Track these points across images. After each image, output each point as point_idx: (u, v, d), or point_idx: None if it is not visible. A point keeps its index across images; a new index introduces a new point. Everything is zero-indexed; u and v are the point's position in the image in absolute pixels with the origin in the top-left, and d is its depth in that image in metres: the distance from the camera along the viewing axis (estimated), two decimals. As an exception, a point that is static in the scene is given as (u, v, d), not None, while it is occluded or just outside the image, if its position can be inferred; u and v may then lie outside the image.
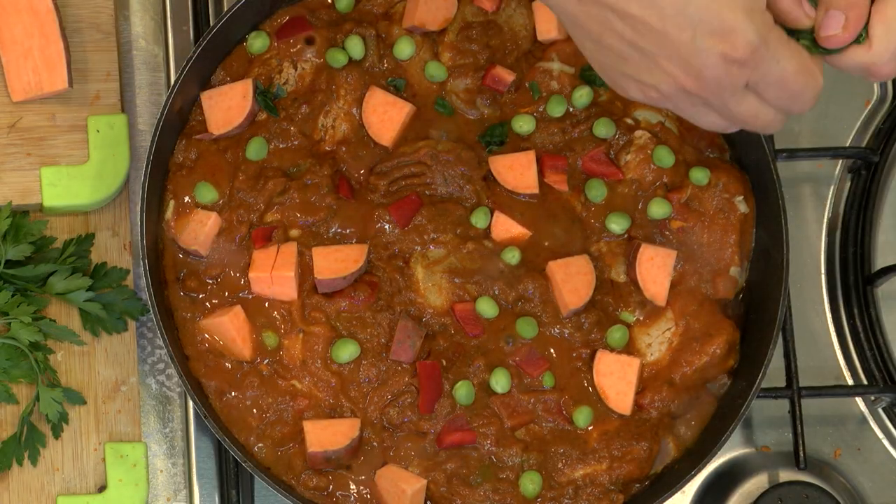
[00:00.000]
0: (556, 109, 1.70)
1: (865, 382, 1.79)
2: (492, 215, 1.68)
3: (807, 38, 1.37)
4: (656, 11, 1.27)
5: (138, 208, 1.61)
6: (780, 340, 1.70)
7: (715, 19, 1.27)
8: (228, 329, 1.63)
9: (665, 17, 1.27)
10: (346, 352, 1.63)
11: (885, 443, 1.79)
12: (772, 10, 1.33)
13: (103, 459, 1.68)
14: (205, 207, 1.66)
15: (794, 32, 1.35)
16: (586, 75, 1.71)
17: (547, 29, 1.71)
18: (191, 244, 1.65)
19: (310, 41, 1.70)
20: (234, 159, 1.67)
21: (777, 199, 1.66)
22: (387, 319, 1.64)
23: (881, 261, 1.78)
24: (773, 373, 1.70)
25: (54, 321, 1.69)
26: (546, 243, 1.68)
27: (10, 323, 1.66)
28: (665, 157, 1.68)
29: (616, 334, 1.66)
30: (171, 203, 1.66)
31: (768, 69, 1.30)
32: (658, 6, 1.27)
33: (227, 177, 1.67)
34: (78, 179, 1.70)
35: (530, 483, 1.63)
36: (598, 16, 1.30)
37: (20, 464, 1.67)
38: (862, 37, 1.35)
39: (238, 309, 1.64)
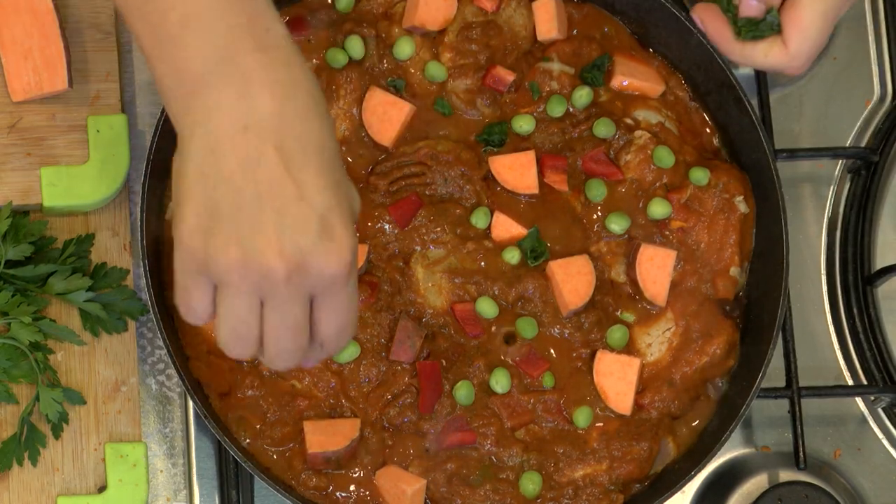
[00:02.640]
0: (556, 109, 1.70)
1: (865, 382, 1.79)
2: (492, 215, 1.68)
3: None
4: (306, 180, 1.27)
5: (138, 208, 1.61)
6: (780, 340, 1.71)
7: (339, 223, 1.28)
8: (228, 329, 1.62)
9: (306, 189, 1.27)
10: (346, 352, 1.63)
11: (885, 443, 1.79)
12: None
13: (103, 459, 1.68)
14: (205, 207, 1.66)
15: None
16: (586, 75, 1.71)
17: (547, 29, 1.71)
18: (191, 244, 1.65)
19: (309, 41, 1.70)
20: (234, 159, 1.67)
21: (777, 199, 1.66)
22: (387, 319, 1.64)
23: (881, 261, 1.78)
24: (773, 373, 1.70)
25: (54, 321, 1.69)
26: (546, 243, 1.68)
27: (10, 323, 1.66)
28: (665, 157, 1.68)
29: (616, 334, 1.66)
30: (171, 203, 1.66)
31: (344, 294, 1.31)
32: (309, 177, 1.27)
33: (227, 177, 1.67)
34: (78, 179, 1.70)
35: (530, 483, 1.63)
36: (249, 156, 1.27)
37: (20, 464, 1.67)
38: (775, 26, 1.50)
39: (238, 309, 1.63)
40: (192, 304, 1.32)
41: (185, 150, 1.29)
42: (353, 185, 1.34)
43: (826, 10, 1.50)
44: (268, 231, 1.26)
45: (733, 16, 1.63)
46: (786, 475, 1.73)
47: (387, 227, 1.67)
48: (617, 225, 1.68)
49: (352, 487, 1.63)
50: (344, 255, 1.28)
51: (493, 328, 1.66)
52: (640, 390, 1.66)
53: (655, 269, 1.66)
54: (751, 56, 1.54)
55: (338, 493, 1.63)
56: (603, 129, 1.69)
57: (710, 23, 1.63)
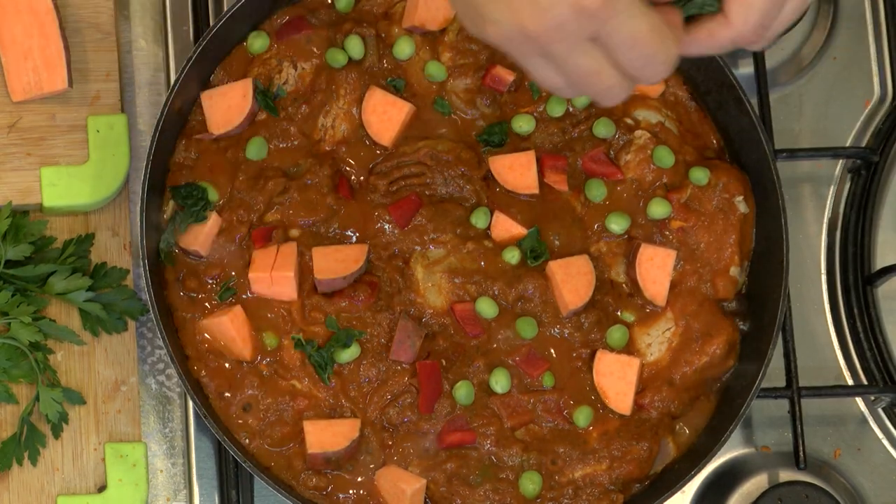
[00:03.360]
0: (556, 109, 1.70)
1: (865, 382, 1.79)
2: (492, 215, 1.68)
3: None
4: None
5: (138, 208, 1.61)
6: (780, 340, 1.71)
7: None
8: (228, 329, 1.63)
9: None
10: (347, 352, 1.63)
11: (885, 443, 1.79)
12: None
13: (103, 459, 1.68)
14: (205, 207, 1.67)
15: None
16: (586, 75, 1.71)
17: (547, 29, 1.71)
18: (191, 244, 1.65)
19: (309, 41, 1.70)
20: (234, 159, 1.67)
21: (777, 199, 1.66)
22: (387, 319, 1.64)
23: (881, 261, 1.78)
24: (773, 373, 1.70)
25: (54, 321, 1.69)
26: (546, 244, 1.68)
27: (10, 323, 1.66)
28: (665, 157, 1.68)
29: (616, 334, 1.66)
30: (171, 203, 1.66)
31: (620, 24, 1.24)
32: None
33: (227, 177, 1.67)
34: (78, 179, 1.70)
35: (530, 483, 1.63)
36: None
37: (20, 464, 1.67)
38: (715, 6, 1.34)
39: (238, 309, 1.64)
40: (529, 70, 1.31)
41: None
42: None
43: None
44: (507, 2, 1.23)
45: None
46: (786, 475, 1.73)
47: (387, 227, 1.67)
48: (617, 225, 1.68)
49: (351, 487, 1.63)
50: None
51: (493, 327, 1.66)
52: (640, 390, 1.66)
53: (655, 269, 1.66)
54: (697, 41, 1.39)
55: (337, 494, 1.63)
56: (603, 128, 1.69)
57: None
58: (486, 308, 1.65)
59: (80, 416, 1.69)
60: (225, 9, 1.75)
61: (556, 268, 1.66)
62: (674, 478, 1.64)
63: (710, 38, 1.35)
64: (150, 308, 1.60)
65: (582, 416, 1.65)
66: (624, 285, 1.68)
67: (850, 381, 1.80)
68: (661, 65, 1.28)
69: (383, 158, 1.69)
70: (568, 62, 1.27)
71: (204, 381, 1.64)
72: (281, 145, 1.68)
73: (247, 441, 1.64)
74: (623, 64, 1.27)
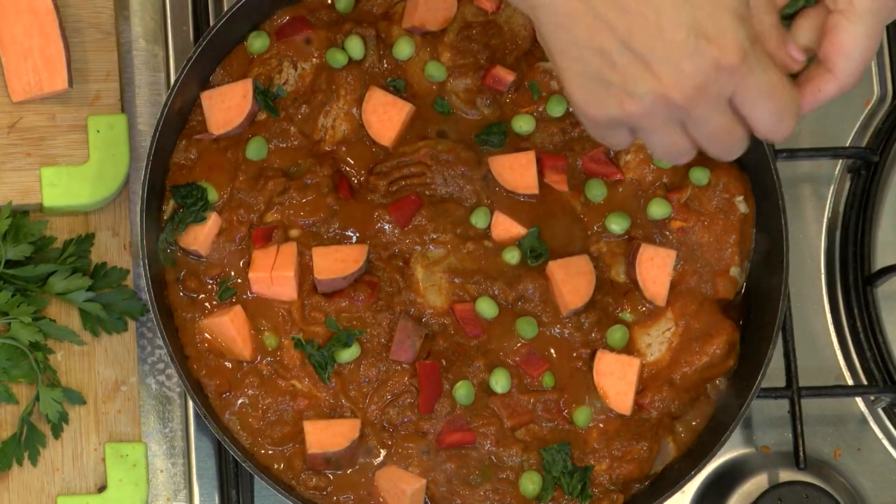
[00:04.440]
0: (556, 109, 1.70)
1: (865, 382, 1.79)
2: (492, 215, 1.68)
3: None
4: (654, 8, 1.25)
5: (138, 208, 1.61)
6: (780, 340, 1.71)
7: (709, 20, 1.25)
8: (229, 329, 1.63)
9: (661, 13, 1.24)
10: (347, 352, 1.63)
11: (885, 443, 1.79)
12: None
13: (103, 459, 1.68)
14: (205, 207, 1.67)
15: None
16: (586, 75, 1.71)
17: (547, 29, 1.71)
18: (191, 244, 1.65)
19: (309, 41, 1.70)
20: (234, 159, 1.67)
21: (777, 199, 1.66)
22: (387, 319, 1.64)
23: (881, 261, 1.78)
24: (773, 373, 1.70)
25: (54, 321, 1.69)
26: (546, 243, 1.68)
27: (10, 323, 1.66)
28: (665, 157, 1.68)
29: (616, 334, 1.66)
30: (171, 203, 1.66)
31: (756, 79, 1.28)
32: (656, 3, 1.24)
33: (227, 177, 1.67)
34: (78, 179, 1.70)
35: (530, 483, 1.63)
36: (591, 12, 1.26)
37: (20, 464, 1.67)
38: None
39: (238, 309, 1.64)
40: (616, 143, 1.34)
41: (540, 31, 1.30)
42: None
43: (867, 28, 1.43)
44: (650, 72, 1.26)
45: None
46: (786, 475, 1.73)
47: (387, 227, 1.67)
48: (617, 225, 1.68)
49: (351, 487, 1.63)
50: (727, 48, 1.24)
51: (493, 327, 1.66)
52: (640, 390, 1.66)
53: (655, 269, 1.66)
54: (804, 98, 1.44)
55: (337, 494, 1.63)
56: (603, 129, 1.69)
57: None
58: (486, 308, 1.65)
59: (80, 416, 1.69)
60: (225, 9, 1.75)
61: (556, 268, 1.66)
62: (674, 478, 1.64)
63: (817, 95, 1.39)
64: (150, 308, 1.60)
65: (582, 416, 1.65)
66: (624, 285, 1.68)
67: (850, 381, 1.80)
68: (792, 119, 1.32)
69: (383, 158, 1.69)
70: (707, 124, 1.29)
71: (204, 381, 1.64)
72: (281, 145, 1.68)
73: (247, 441, 1.64)
74: (755, 118, 1.30)
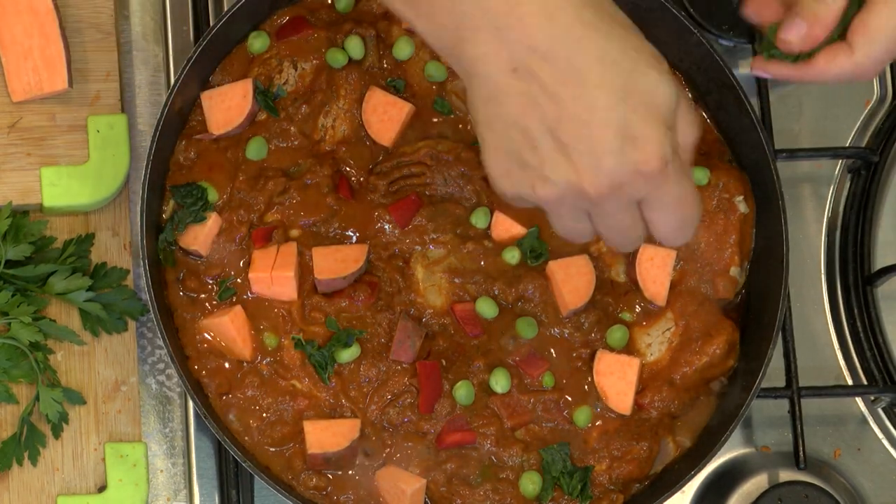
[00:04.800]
0: (556, 109, 1.70)
1: (865, 382, 1.79)
2: (492, 215, 1.68)
3: (774, 50, 1.41)
4: (587, 102, 1.25)
5: (138, 208, 1.61)
6: (780, 340, 1.71)
7: (639, 125, 1.25)
8: (229, 329, 1.63)
9: (594, 110, 1.25)
10: (347, 351, 1.63)
11: (885, 443, 1.79)
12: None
13: (103, 459, 1.68)
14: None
15: (758, 45, 1.36)
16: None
17: (547, 29, 1.71)
18: (191, 244, 1.65)
19: (309, 41, 1.70)
20: (234, 159, 1.67)
21: (777, 199, 1.66)
22: (387, 319, 1.64)
23: (881, 261, 1.78)
24: (773, 373, 1.70)
25: (54, 321, 1.69)
26: (546, 243, 1.68)
27: (10, 323, 1.66)
28: (665, 157, 1.68)
29: (616, 334, 1.66)
30: (171, 203, 1.66)
31: (670, 189, 1.29)
32: (591, 98, 1.24)
33: (227, 177, 1.67)
34: (78, 179, 1.70)
35: (530, 483, 1.63)
36: (526, 93, 1.26)
37: (20, 464, 1.67)
38: (833, 38, 1.41)
39: (238, 309, 1.64)
40: (519, 206, 1.35)
41: (470, 98, 1.31)
42: (650, 66, 1.27)
43: None
44: (569, 162, 1.26)
45: (781, 54, 1.51)
46: (786, 475, 1.73)
47: (387, 227, 1.67)
48: (617, 225, 1.68)
49: (351, 487, 1.63)
50: (651, 156, 1.26)
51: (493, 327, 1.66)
52: (640, 390, 1.66)
53: (655, 268, 1.66)
54: (815, 66, 1.45)
55: (337, 494, 1.63)
56: (603, 129, 1.69)
57: (774, 69, 1.53)
58: (486, 308, 1.65)
59: (80, 416, 1.69)
60: (225, 9, 1.75)
61: (556, 268, 1.66)
62: (674, 478, 1.64)
63: (828, 64, 1.39)
64: (150, 308, 1.60)
65: (582, 416, 1.65)
66: (624, 285, 1.68)
67: (850, 381, 1.80)
68: (692, 229, 1.34)
69: (383, 158, 1.69)
70: (612, 218, 1.31)
71: (204, 381, 1.64)
72: (281, 145, 1.68)
73: (247, 441, 1.64)
74: (659, 223, 1.32)
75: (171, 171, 1.68)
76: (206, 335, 1.65)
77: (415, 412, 1.63)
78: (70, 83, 1.70)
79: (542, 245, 1.67)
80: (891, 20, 1.39)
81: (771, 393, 1.72)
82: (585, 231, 1.34)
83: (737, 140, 1.72)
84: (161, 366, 1.73)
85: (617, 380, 1.65)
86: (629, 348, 1.67)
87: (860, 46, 1.39)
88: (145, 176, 1.61)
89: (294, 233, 1.66)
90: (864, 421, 1.79)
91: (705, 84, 1.72)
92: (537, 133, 1.27)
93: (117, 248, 1.73)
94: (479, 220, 1.67)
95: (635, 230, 1.33)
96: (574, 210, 1.31)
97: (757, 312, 1.69)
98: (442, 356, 1.65)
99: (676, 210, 1.31)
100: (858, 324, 1.78)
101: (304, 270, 1.64)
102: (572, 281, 1.65)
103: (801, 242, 1.82)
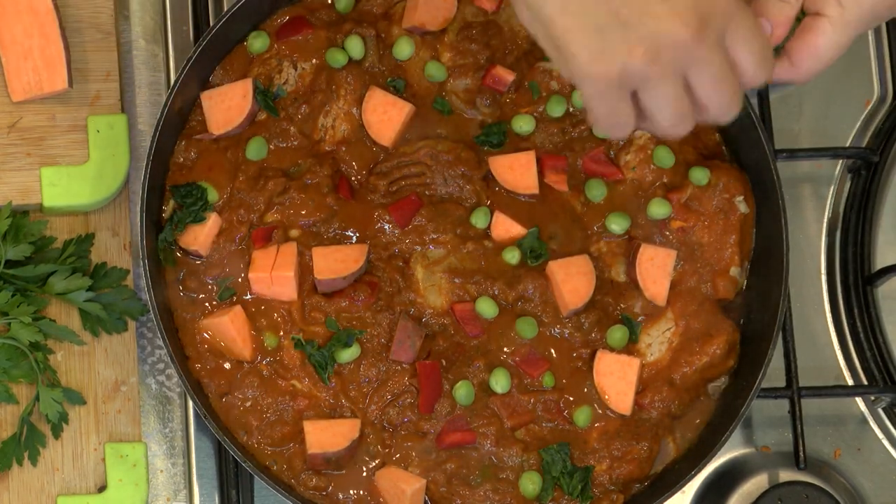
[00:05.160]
0: (556, 109, 1.70)
1: (865, 382, 1.79)
2: (492, 215, 1.68)
3: None
4: None
5: (138, 208, 1.61)
6: (780, 340, 1.71)
7: None
8: (229, 329, 1.63)
9: None
10: (347, 352, 1.63)
11: (885, 443, 1.79)
12: None
13: (103, 459, 1.68)
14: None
15: None
16: (586, 75, 1.71)
17: (547, 29, 1.71)
18: (191, 244, 1.65)
19: (309, 41, 1.70)
20: (234, 159, 1.67)
21: (777, 199, 1.66)
22: (387, 319, 1.64)
23: (881, 261, 1.78)
24: (773, 373, 1.70)
25: (54, 321, 1.69)
26: (546, 243, 1.68)
27: (10, 323, 1.66)
28: (665, 157, 1.68)
29: (616, 334, 1.66)
30: (171, 203, 1.67)
31: (742, 20, 1.29)
32: None
33: (227, 177, 1.67)
34: (78, 179, 1.70)
35: (530, 483, 1.63)
36: None
37: (20, 464, 1.67)
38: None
39: (238, 309, 1.64)
40: (621, 120, 1.33)
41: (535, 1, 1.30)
42: None
43: (848, 38, 1.42)
44: (653, 12, 1.26)
45: None
46: (786, 475, 1.73)
47: (387, 227, 1.67)
48: (617, 225, 1.68)
49: (351, 487, 1.63)
50: (675, 20, 1.26)
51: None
52: (640, 390, 1.66)
53: (655, 269, 1.66)
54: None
55: (337, 494, 1.63)
56: (603, 129, 1.69)
57: None
58: (486, 308, 1.65)
59: (80, 416, 1.69)
60: (225, 9, 1.75)
61: (556, 268, 1.66)
62: (674, 478, 1.64)
63: (774, 75, 1.40)
64: (150, 308, 1.60)
65: (582, 416, 1.65)
66: (624, 285, 1.68)
67: (850, 381, 1.80)
68: (737, 101, 1.33)
69: (383, 158, 1.69)
70: (711, 64, 1.29)
71: (204, 381, 1.64)
72: (281, 145, 1.68)
73: (247, 441, 1.64)
74: (744, 61, 1.31)
75: (171, 171, 1.68)
76: (205, 335, 1.65)
77: (415, 412, 1.63)
78: (70, 83, 1.70)
79: (541, 245, 1.67)
80: (838, 42, 1.41)
81: (771, 393, 1.72)
82: (687, 106, 1.32)
83: (737, 140, 1.72)
84: (161, 366, 1.73)
85: (617, 380, 1.65)
86: (629, 348, 1.67)
87: (807, 68, 1.40)
88: (145, 176, 1.61)
89: (294, 233, 1.66)
90: (864, 421, 1.79)
91: (705, 84, 1.72)
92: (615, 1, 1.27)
93: (117, 248, 1.73)
94: (479, 220, 1.67)
95: (684, 103, 1.31)
96: (672, 72, 1.29)
97: (757, 312, 1.69)
98: (442, 356, 1.65)
99: (757, 38, 1.30)
100: (858, 324, 1.78)
101: (304, 270, 1.64)
102: (572, 281, 1.65)
103: (801, 242, 1.82)
